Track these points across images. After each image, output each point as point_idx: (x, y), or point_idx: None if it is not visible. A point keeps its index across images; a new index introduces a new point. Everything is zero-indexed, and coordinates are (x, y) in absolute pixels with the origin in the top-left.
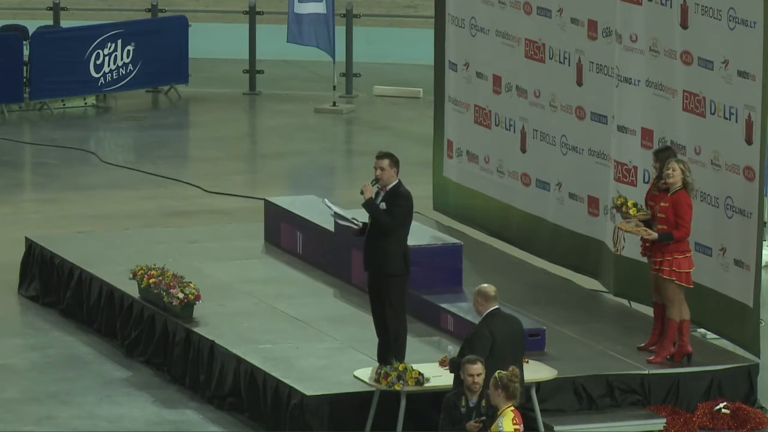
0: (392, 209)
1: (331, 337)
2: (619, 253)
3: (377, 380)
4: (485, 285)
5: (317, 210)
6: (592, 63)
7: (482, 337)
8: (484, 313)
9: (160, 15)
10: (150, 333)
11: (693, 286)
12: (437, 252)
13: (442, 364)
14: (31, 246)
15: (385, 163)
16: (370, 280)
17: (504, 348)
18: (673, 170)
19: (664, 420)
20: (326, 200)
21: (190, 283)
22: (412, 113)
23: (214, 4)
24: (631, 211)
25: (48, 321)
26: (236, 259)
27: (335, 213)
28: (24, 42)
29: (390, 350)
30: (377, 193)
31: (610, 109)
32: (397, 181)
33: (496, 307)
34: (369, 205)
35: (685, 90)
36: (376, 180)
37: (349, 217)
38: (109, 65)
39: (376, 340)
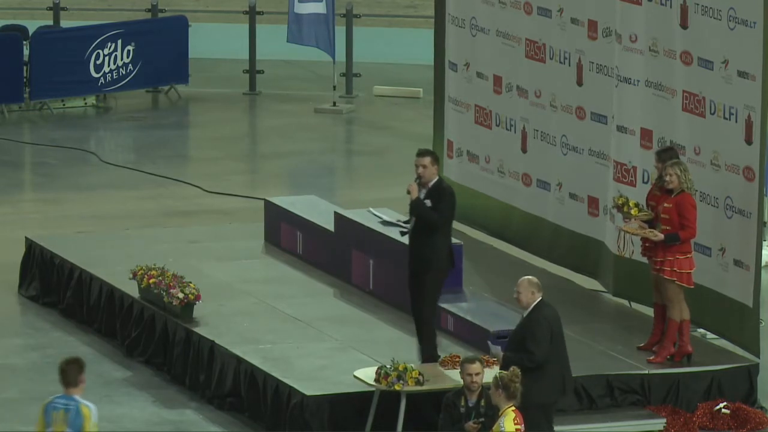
0: (438, 206)
1: (331, 337)
2: (628, 256)
3: (377, 380)
4: (530, 276)
5: (317, 210)
6: (592, 63)
7: (542, 325)
8: (534, 303)
9: (160, 15)
10: (150, 333)
11: (694, 286)
12: None
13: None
14: (31, 246)
15: (427, 160)
16: (414, 276)
17: (558, 337)
18: (670, 176)
19: (664, 420)
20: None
21: (190, 283)
22: (412, 113)
23: (214, 4)
24: (632, 212)
25: (48, 321)
26: (236, 259)
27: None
28: (24, 42)
29: (423, 349)
30: (419, 191)
31: (609, 109)
32: (438, 177)
33: (542, 297)
34: (417, 204)
35: (685, 90)
36: (419, 177)
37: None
38: (109, 65)
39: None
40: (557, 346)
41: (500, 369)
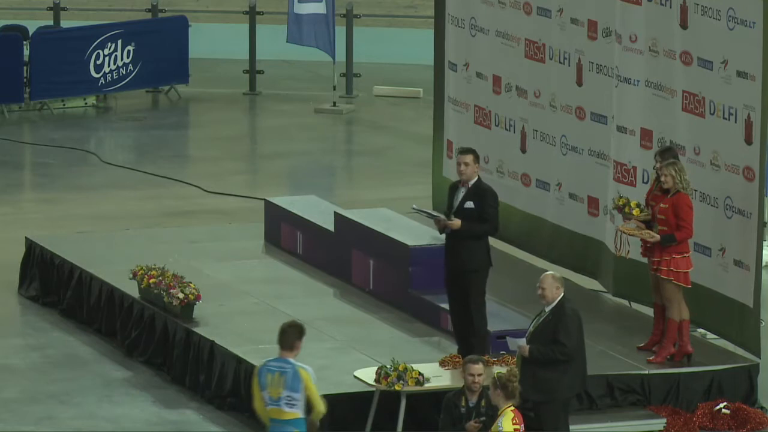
0: (482, 210)
1: (331, 337)
2: (625, 256)
3: (377, 380)
4: (552, 272)
5: (317, 210)
6: (592, 63)
7: (571, 318)
8: (558, 298)
9: (160, 15)
10: (150, 333)
11: (691, 286)
12: (437, 252)
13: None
14: (31, 246)
15: (470, 158)
16: (453, 277)
17: (581, 332)
18: (665, 177)
19: (664, 420)
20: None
21: (190, 283)
22: (412, 113)
23: (214, 4)
24: (634, 212)
25: (48, 321)
26: (236, 259)
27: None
28: (24, 42)
29: (473, 346)
30: (456, 189)
31: (609, 109)
32: (477, 177)
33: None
34: (463, 230)
35: (685, 90)
36: (460, 175)
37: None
38: (109, 65)
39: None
40: (580, 341)
41: (527, 362)
